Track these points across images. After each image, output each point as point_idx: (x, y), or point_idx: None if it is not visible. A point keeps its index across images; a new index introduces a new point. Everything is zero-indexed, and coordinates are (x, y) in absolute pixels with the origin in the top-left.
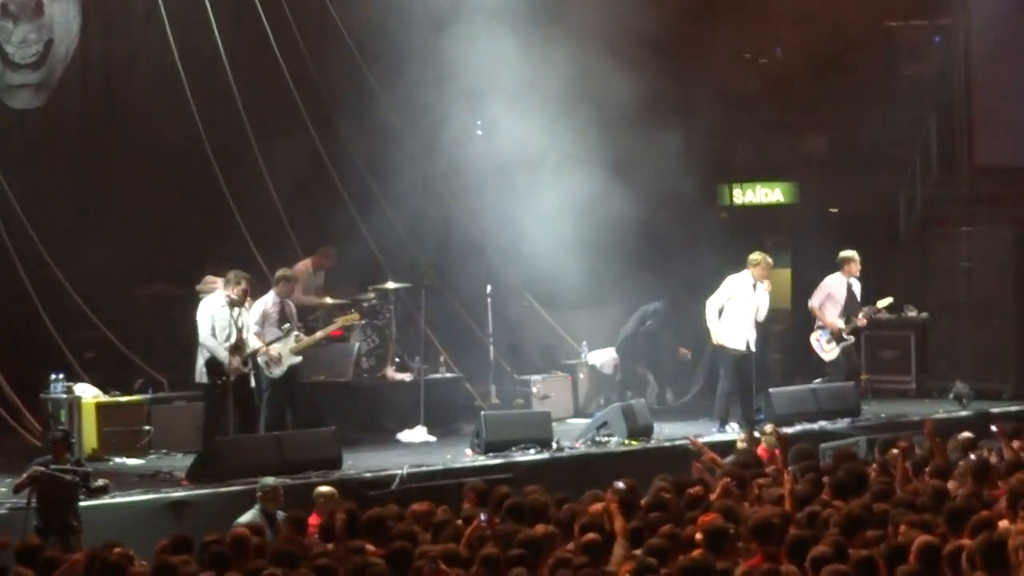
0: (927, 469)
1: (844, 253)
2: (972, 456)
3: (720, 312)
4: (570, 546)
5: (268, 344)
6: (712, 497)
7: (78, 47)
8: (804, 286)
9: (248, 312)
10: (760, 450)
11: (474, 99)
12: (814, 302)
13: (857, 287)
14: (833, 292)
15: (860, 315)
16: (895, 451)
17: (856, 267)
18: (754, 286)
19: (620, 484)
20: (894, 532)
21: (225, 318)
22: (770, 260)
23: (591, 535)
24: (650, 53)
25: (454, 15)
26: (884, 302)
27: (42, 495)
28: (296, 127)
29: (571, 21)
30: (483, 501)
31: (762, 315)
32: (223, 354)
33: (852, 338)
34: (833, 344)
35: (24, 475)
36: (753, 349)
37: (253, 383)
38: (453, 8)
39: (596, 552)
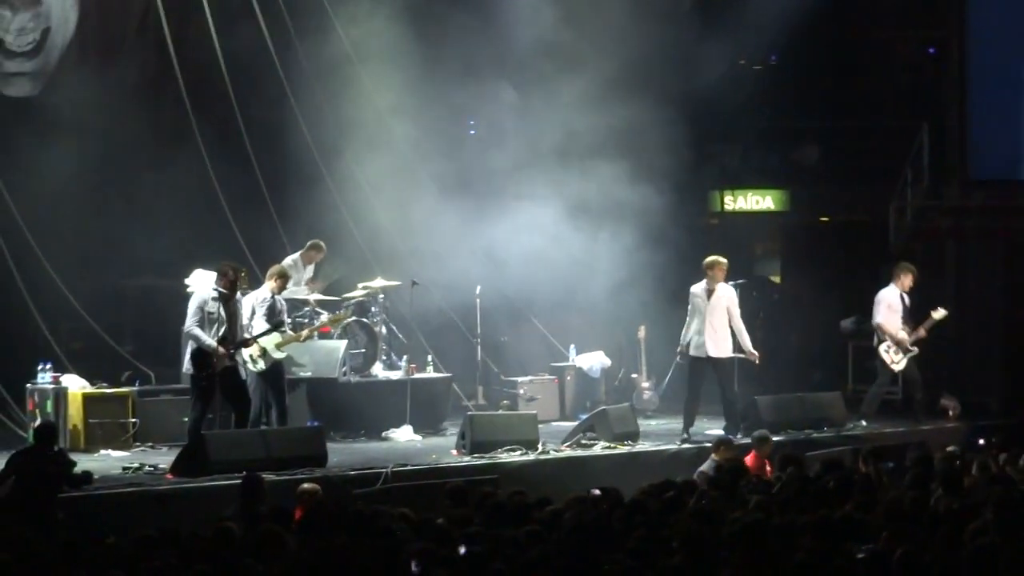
0: (907, 479)
1: (901, 265)
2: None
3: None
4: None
5: (256, 337)
6: (691, 503)
7: (75, 36)
8: (792, 293)
9: (239, 305)
10: (751, 457)
11: (467, 99)
12: (878, 319)
13: (908, 300)
14: (891, 303)
15: (921, 327)
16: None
17: (909, 282)
18: (709, 293)
19: (595, 491)
20: (877, 541)
21: (215, 310)
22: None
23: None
24: (643, 59)
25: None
26: (939, 313)
27: (25, 485)
28: (288, 124)
29: (566, 29)
30: (461, 502)
31: (726, 317)
32: (208, 343)
33: (916, 348)
34: (901, 355)
35: (6, 465)
36: (713, 355)
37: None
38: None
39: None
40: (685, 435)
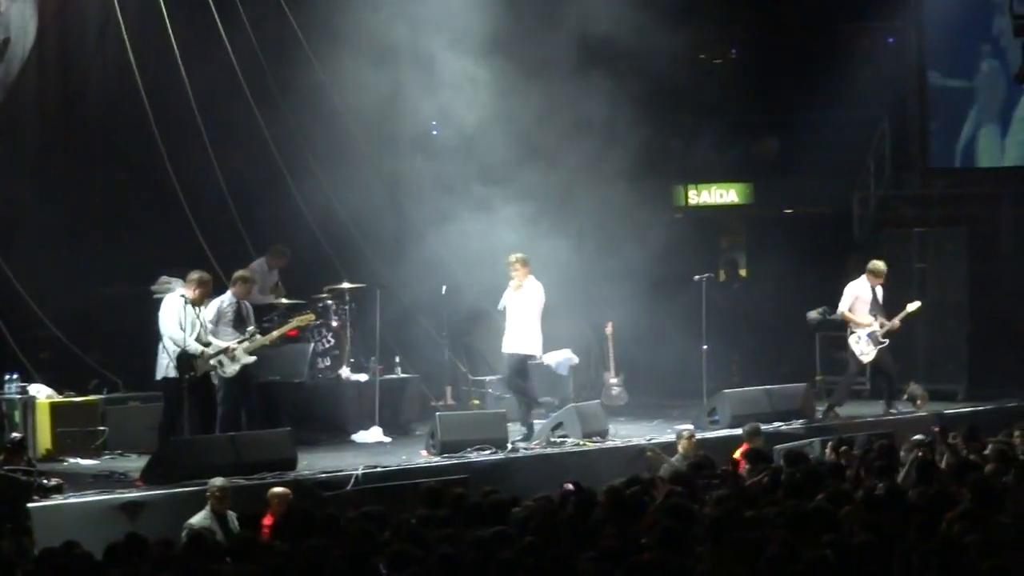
0: (876, 470)
1: (873, 263)
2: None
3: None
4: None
5: (235, 346)
6: (658, 499)
7: (35, 47)
8: (758, 286)
9: (205, 312)
10: (743, 450)
11: (429, 98)
12: (843, 307)
13: (880, 293)
14: (860, 294)
15: (896, 319)
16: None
17: (880, 279)
18: (515, 289)
19: (568, 485)
20: (847, 532)
21: (188, 316)
22: (513, 258)
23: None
24: (606, 54)
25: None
26: (913, 306)
27: None
28: (250, 129)
29: (528, 27)
30: (436, 502)
31: (517, 315)
32: (195, 347)
33: (887, 340)
34: (871, 346)
35: None
36: (506, 350)
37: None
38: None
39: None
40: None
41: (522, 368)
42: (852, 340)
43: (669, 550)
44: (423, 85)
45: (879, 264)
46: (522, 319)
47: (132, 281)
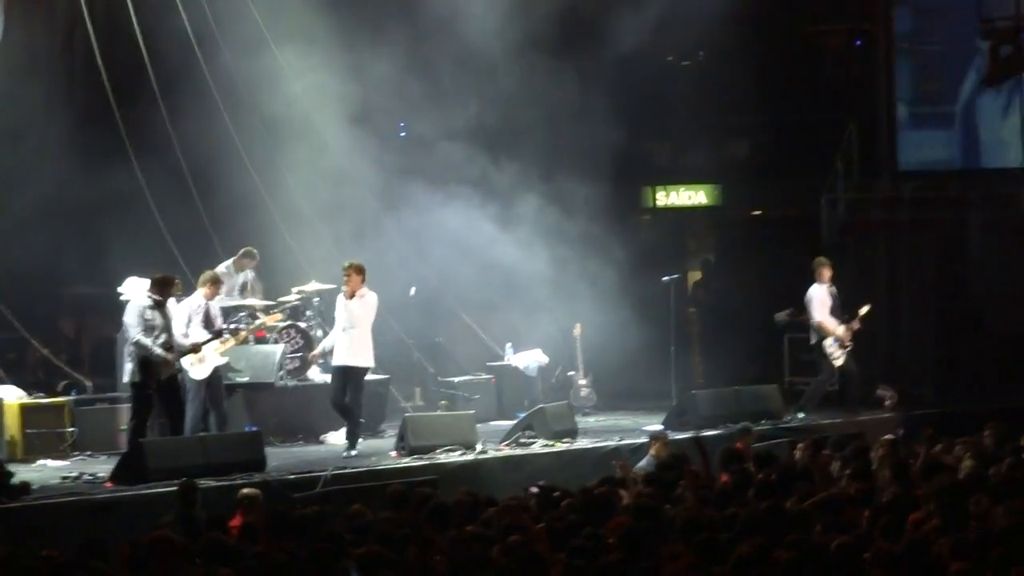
0: (848, 471)
1: (817, 260)
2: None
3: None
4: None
5: (200, 344)
6: (627, 501)
7: (1, 45)
8: (726, 287)
9: (172, 313)
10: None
11: (394, 99)
12: (817, 318)
13: (834, 292)
14: (823, 299)
15: (854, 322)
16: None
17: (826, 272)
18: (349, 298)
19: (534, 488)
20: (817, 533)
21: (152, 318)
22: (348, 264)
23: (515, 536)
24: (573, 53)
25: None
26: (864, 310)
27: None
28: (219, 132)
29: (494, 21)
30: (402, 504)
31: (350, 326)
32: (159, 353)
33: (852, 343)
34: (841, 351)
35: None
36: (346, 363)
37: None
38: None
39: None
40: (350, 452)
41: (356, 382)
42: (827, 344)
43: (635, 551)
44: (393, 86)
45: (823, 260)
46: (355, 331)
47: (100, 282)
